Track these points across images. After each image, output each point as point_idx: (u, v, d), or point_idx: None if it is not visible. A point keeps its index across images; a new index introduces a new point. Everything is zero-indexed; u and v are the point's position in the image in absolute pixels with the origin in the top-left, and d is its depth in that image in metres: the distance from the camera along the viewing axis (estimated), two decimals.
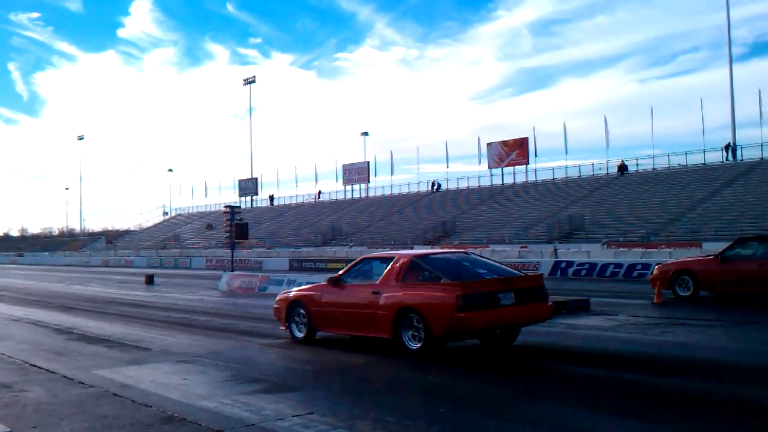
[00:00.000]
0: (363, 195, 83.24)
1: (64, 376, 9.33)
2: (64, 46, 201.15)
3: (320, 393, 7.99)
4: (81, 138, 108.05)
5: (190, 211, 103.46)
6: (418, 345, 10.09)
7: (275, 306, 12.90)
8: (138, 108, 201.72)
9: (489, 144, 71.53)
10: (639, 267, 26.44)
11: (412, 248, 53.05)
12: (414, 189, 78.04)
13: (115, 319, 16.73)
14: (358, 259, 12.20)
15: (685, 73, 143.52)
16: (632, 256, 34.49)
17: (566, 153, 68.13)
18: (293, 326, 12.26)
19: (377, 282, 10.92)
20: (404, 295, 10.37)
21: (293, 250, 60.56)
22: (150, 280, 30.80)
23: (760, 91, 58.59)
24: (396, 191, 79.78)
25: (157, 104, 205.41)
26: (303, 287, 13.13)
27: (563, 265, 29.76)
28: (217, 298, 23.48)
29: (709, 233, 43.28)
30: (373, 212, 74.76)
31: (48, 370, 9.83)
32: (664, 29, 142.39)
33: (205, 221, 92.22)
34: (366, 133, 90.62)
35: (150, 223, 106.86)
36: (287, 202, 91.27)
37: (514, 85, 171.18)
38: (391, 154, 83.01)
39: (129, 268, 58.48)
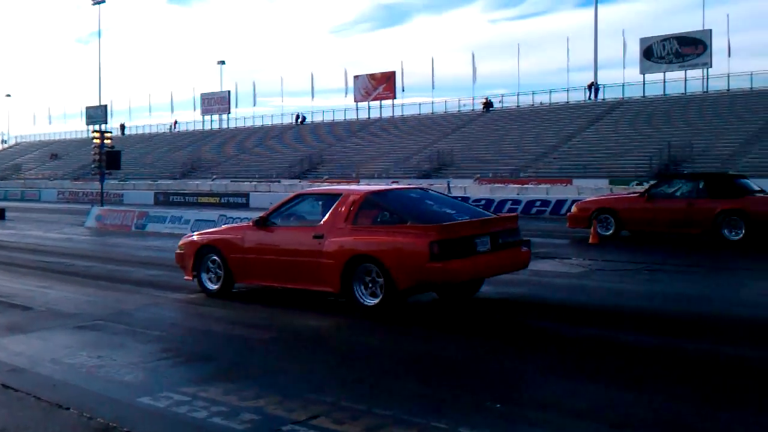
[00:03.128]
0: (223, 126, 79.35)
1: None
2: None
3: (303, 379, 5.94)
4: None
5: (32, 140, 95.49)
6: (375, 301, 8.34)
7: (178, 251, 10.54)
8: None
9: (356, 77, 69.60)
10: (538, 203, 25.80)
11: (279, 182, 50.94)
12: (278, 121, 75.01)
13: None
14: (291, 196, 10.08)
15: (534, 15, 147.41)
16: (510, 192, 34.03)
17: (433, 89, 67.35)
18: (204, 276, 10.02)
19: (320, 224, 8.95)
20: (358, 240, 8.52)
21: (150, 182, 56.67)
22: (1, 214, 27.01)
23: (624, 32, 60.20)
24: (258, 123, 76.49)
25: None
26: (217, 229, 10.98)
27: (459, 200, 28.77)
28: (88, 237, 20.45)
29: (577, 170, 43.89)
30: (235, 144, 71.38)
31: None
32: None
33: (49, 150, 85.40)
34: (222, 62, 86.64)
35: None
36: (140, 131, 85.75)
37: (371, 21, 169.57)
38: (254, 85, 79.30)
39: None
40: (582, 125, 52.32)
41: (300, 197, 9.99)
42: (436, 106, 65.66)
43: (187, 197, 40.70)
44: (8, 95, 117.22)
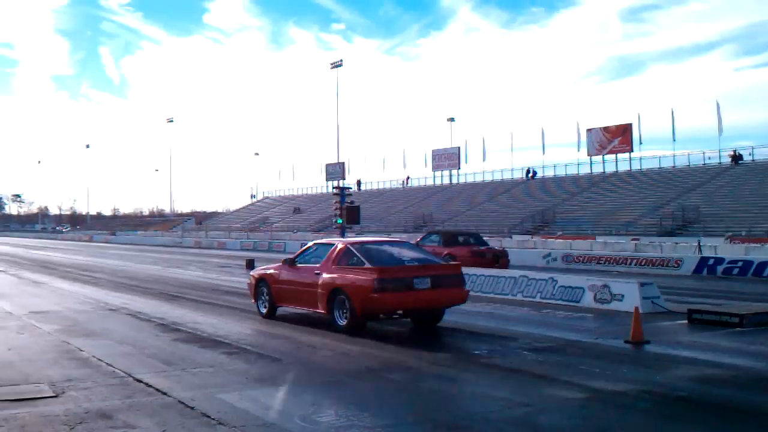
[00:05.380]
0: (454, 181, 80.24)
1: (181, 402, 7.00)
2: (152, 30, 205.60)
3: None
4: (170, 121, 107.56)
5: (278, 195, 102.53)
6: (345, 322, 11.32)
7: (249, 281, 14.23)
8: (224, 92, 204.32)
9: (589, 130, 67.42)
10: None
11: (510, 237, 50.21)
12: (508, 176, 74.53)
13: (226, 313, 14.45)
14: (309, 244, 13.52)
15: None
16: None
17: (674, 141, 63.75)
18: (259, 303, 13.58)
19: (320, 264, 12.07)
20: (336, 276, 11.58)
21: (384, 236, 58.27)
22: (251, 264, 28.58)
23: None
24: (488, 178, 76.48)
25: (242, 89, 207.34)
26: (267, 266, 14.20)
27: (711, 261, 26.27)
28: None
29: None
30: (465, 199, 71.86)
31: (158, 390, 7.53)
32: (759, 16, 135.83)
33: (292, 205, 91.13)
34: (452, 119, 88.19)
35: (238, 206, 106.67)
36: (375, 187, 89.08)
37: (602, 73, 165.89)
38: (483, 140, 79.57)
39: (222, 250, 56.01)
40: None
41: (314, 245, 13.24)
42: (677, 160, 61.97)
43: None
44: (257, 154, 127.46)
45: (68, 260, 36.31)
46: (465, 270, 18.90)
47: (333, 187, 30.16)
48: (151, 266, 31.51)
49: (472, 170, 79.88)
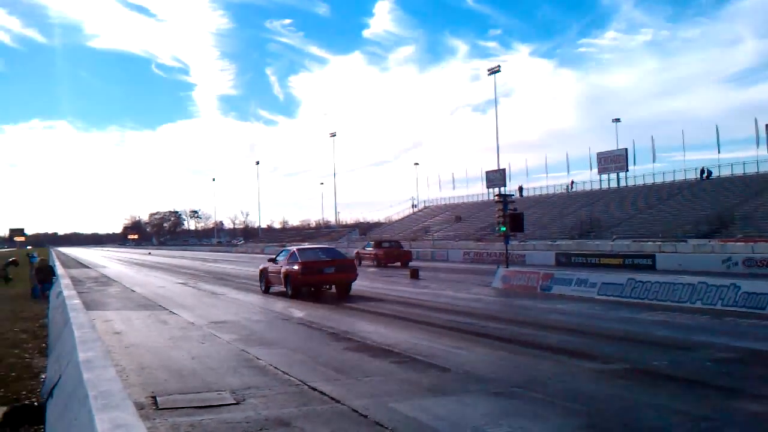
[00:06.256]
0: (621, 184, 77.25)
1: (355, 411, 7.14)
2: (314, 49, 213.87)
3: None
4: (333, 135, 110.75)
5: (438, 204, 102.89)
6: (291, 292, 20.26)
7: (258, 273, 23.79)
8: (384, 105, 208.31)
9: None
10: None
11: (685, 242, 47.68)
12: (680, 177, 70.80)
13: (393, 323, 14.62)
14: (283, 249, 23.53)
15: None
16: None
17: None
18: (261, 284, 23.02)
19: (282, 261, 21.32)
20: (285, 267, 20.68)
21: (549, 243, 56.99)
22: (415, 274, 28.91)
23: None
24: (659, 180, 72.97)
25: (401, 100, 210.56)
26: (264, 263, 23.39)
27: None
28: (495, 298, 20.79)
29: None
30: (633, 202, 68.94)
31: (332, 398, 7.71)
32: None
33: (453, 213, 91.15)
34: (618, 120, 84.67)
35: (399, 216, 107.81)
36: (537, 193, 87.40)
37: None
38: (652, 140, 76.22)
39: None
40: None
41: (285, 249, 22.77)
42: None
43: (588, 258, 39.69)
44: (416, 163, 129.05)
45: (242, 272, 38.21)
46: (641, 279, 18.38)
47: (495, 195, 29.94)
48: None
49: (641, 172, 76.69)
